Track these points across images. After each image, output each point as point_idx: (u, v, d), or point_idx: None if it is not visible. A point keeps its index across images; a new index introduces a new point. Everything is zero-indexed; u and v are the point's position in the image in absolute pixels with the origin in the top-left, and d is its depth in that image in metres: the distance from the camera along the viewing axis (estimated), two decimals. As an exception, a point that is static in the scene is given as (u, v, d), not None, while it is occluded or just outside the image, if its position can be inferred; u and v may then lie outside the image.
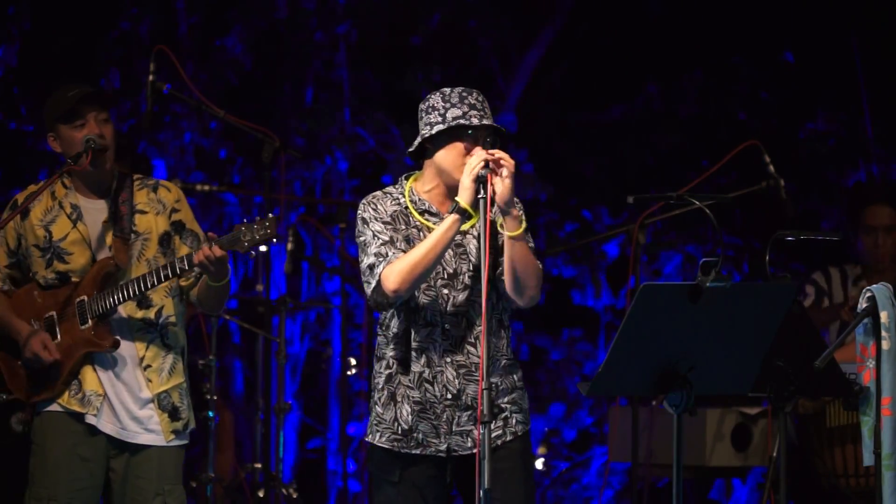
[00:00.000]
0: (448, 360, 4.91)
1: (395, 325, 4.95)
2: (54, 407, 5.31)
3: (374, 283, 4.86)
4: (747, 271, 10.39)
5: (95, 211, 5.36)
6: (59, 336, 5.30)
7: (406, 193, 4.99)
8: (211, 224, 10.26)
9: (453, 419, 4.92)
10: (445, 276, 4.91)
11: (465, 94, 4.90)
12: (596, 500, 10.12)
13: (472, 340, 4.92)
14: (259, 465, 8.05)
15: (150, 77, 7.22)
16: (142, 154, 9.83)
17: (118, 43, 9.90)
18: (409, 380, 4.92)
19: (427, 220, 4.95)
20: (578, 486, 10.37)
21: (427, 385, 4.92)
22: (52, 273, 5.32)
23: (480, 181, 4.78)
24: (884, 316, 4.93)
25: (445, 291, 4.91)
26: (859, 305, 5.01)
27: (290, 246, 8.89)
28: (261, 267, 9.92)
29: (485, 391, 4.60)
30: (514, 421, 4.98)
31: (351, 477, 10.12)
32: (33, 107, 9.51)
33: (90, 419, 5.28)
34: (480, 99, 4.91)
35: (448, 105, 4.88)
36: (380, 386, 4.97)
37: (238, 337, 10.44)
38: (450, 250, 4.90)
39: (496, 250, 4.92)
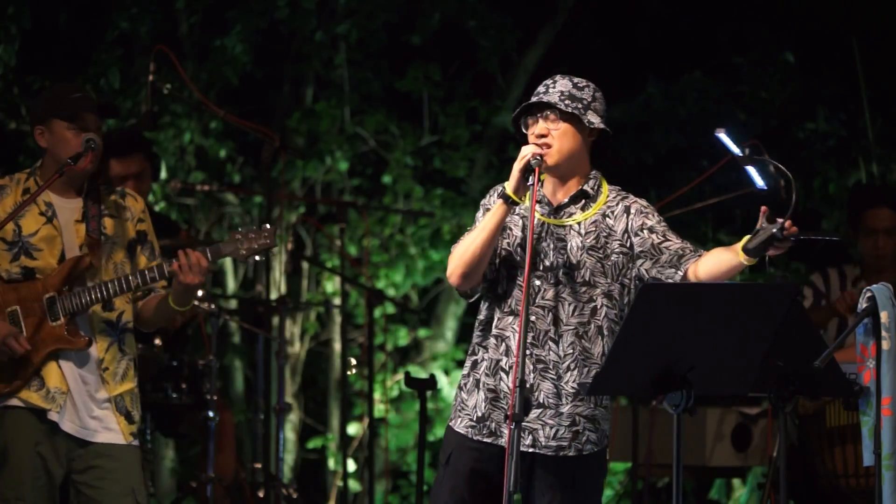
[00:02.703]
0: (528, 352, 4.81)
1: (483, 309, 4.92)
2: (13, 402, 5.26)
3: (450, 269, 4.89)
4: (747, 271, 10.38)
5: (67, 210, 5.35)
6: (24, 331, 5.28)
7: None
8: (211, 224, 10.27)
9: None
10: (541, 268, 4.84)
11: (547, 80, 4.93)
12: (596, 500, 10.11)
13: (556, 337, 4.82)
14: (259, 465, 8.05)
15: (150, 77, 7.22)
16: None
17: (118, 43, 9.91)
18: (487, 367, 4.86)
19: (537, 209, 4.90)
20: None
21: (502, 374, 4.84)
22: (18, 268, 5.30)
23: (528, 171, 4.76)
24: (884, 316, 4.93)
25: (537, 283, 4.83)
26: (859, 305, 5.00)
27: (290, 246, 8.89)
28: (261, 267, 9.93)
29: (518, 388, 4.51)
30: (584, 438, 4.87)
31: (351, 477, 10.12)
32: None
33: (53, 416, 5.25)
34: (549, 82, 4.90)
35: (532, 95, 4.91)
36: (466, 371, 4.93)
37: (238, 337, 10.44)
38: (550, 242, 4.86)
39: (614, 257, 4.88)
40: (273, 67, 10.44)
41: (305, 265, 10.38)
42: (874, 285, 4.99)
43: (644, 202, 4.95)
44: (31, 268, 5.29)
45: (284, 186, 9.91)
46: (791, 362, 4.89)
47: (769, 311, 4.64)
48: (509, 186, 4.78)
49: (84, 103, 5.31)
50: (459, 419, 4.91)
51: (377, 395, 9.90)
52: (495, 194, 4.92)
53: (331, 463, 10.50)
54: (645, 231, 4.88)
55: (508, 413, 4.61)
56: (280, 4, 10.03)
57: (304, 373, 10.60)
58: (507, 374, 4.82)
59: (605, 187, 4.98)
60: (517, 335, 4.79)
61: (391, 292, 10.34)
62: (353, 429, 10.25)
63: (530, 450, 4.82)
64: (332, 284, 10.39)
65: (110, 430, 5.30)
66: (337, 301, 10.12)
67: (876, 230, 7.31)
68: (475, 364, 4.92)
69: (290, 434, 10.27)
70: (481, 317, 4.93)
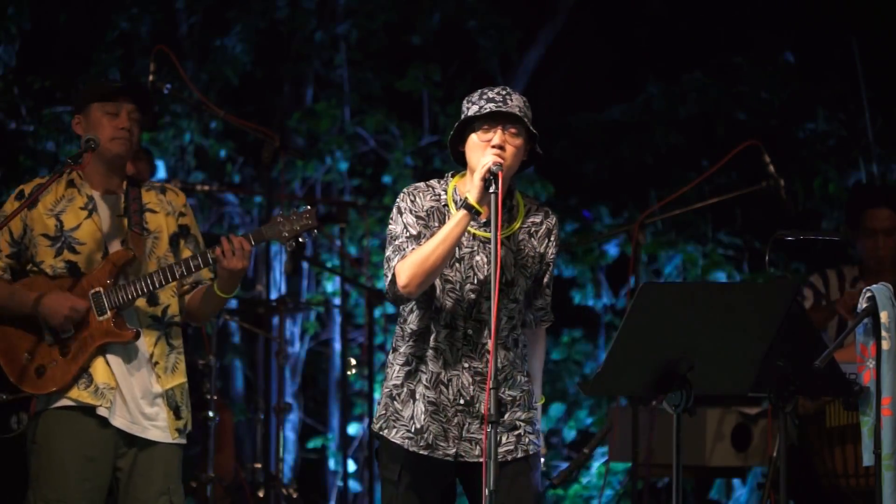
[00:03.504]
0: (466, 365, 4.88)
1: (413, 320, 4.92)
2: (62, 402, 5.27)
3: (389, 276, 4.86)
4: (747, 271, 10.40)
5: (108, 205, 5.37)
6: (71, 328, 5.28)
7: (449, 191, 4.95)
8: (211, 224, 10.27)
9: (464, 425, 4.89)
10: (475, 282, 4.87)
11: (486, 91, 4.88)
12: (596, 500, 10.13)
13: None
14: (259, 465, 8.05)
15: (150, 77, 7.23)
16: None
17: (118, 43, 9.91)
18: (427, 379, 4.89)
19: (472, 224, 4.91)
20: (578, 486, 10.38)
21: (442, 387, 4.89)
22: (62, 262, 5.30)
23: (492, 177, 4.76)
24: (884, 316, 4.93)
25: (472, 297, 4.86)
26: (859, 305, 5.01)
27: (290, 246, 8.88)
28: (261, 267, 9.93)
29: (493, 390, 4.58)
30: (526, 440, 4.94)
31: (351, 477, 10.12)
32: (33, 107, 9.51)
33: (102, 412, 5.25)
34: (503, 93, 4.85)
35: (470, 105, 4.89)
36: (399, 382, 4.93)
37: (238, 337, 10.44)
38: (483, 256, 4.88)
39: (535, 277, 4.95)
40: (273, 67, 10.44)
41: (305, 265, 10.38)
42: (874, 285, 4.99)
43: (558, 227, 5.06)
44: (75, 262, 5.29)
45: (284, 186, 9.91)
46: (791, 362, 4.90)
47: (769, 310, 4.64)
48: (472, 196, 4.75)
49: (118, 87, 5.32)
50: (395, 429, 4.92)
51: (377, 395, 9.90)
52: (418, 199, 4.90)
53: (331, 463, 10.50)
54: (549, 265, 5.01)
55: (484, 414, 4.65)
56: (280, 4, 10.04)
57: (304, 373, 10.60)
58: (447, 386, 4.88)
59: (520, 197, 5.01)
60: (455, 348, 4.86)
61: (391, 292, 10.33)
62: (353, 429, 10.25)
63: (480, 459, 4.86)
64: (332, 284, 10.39)
65: (159, 427, 5.31)
66: (337, 301, 10.12)
67: (875, 231, 7.31)
68: (410, 374, 4.92)
69: (290, 434, 10.27)
70: (413, 327, 4.92)
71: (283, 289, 9.63)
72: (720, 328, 4.60)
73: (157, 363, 5.31)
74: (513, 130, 4.84)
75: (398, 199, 4.93)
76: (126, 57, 9.93)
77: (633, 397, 7.70)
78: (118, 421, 5.26)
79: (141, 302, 5.31)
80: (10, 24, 9.30)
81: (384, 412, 4.95)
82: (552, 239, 5.00)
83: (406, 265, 4.79)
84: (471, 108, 4.84)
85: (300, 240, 5.29)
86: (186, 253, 5.41)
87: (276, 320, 8.08)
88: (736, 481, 9.60)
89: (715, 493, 9.69)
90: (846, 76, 10.01)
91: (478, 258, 4.88)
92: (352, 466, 10.24)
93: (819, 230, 9.78)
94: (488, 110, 4.81)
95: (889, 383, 4.92)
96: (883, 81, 9.92)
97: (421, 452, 4.89)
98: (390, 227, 4.93)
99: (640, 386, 4.72)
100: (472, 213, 4.76)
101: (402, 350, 4.94)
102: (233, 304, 9.77)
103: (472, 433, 4.89)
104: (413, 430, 4.90)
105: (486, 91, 4.87)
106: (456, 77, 10.72)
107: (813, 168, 10.17)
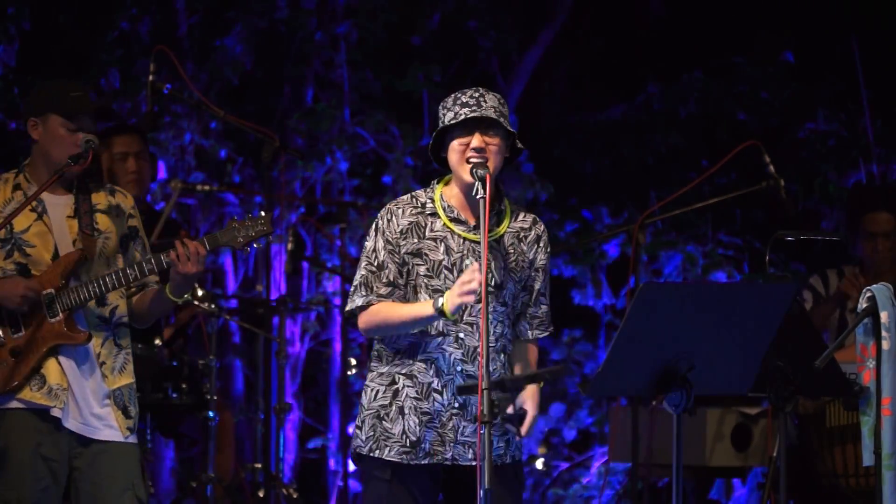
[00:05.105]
0: (458, 369, 4.89)
1: (402, 337, 4.94)
2: (14, 404, 5.27)
3: (352, 304, 4.93)
4: (747, 271, 10.40)
5: (57, 206, 5.36)
6: (22, 329, 5.28)
7: (437, 199, 4.96)
8: (211, 224, 10.26)
9: (458, 429, 4.90)
10: None
11: (459, 95, 4.89)
12: (596, 500, 10.13)
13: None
14: (259, 465, 8.05)
15: (150, 77, 7.23)
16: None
17: (118, 43, 9.90)
18: (417, 391, 4.90)
19: (455, 227, 4.93)
20: (578, 486, 10.37)
21: (436, 394, 4.89)
22: (12, 264, 5.30)
23: (478, 182, 4.78)
24: (884, 316, 4.93)
25: None
26: (859, 305, 5.01)
27: (290, 246, 8.89)
28: (261, 267, 9.93)
29: (485, 391, 4.58)
30: (514, 445, 4.98)
31: (351, 477, 10.12)
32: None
33: (56, 413, 5.25)
34: (476, 95, 4.87)
35: (445, 111, 4.89)
36: (387, 402, 4.93)
37: (238, 337, 10.44)
38: (473, 259, 4.87)
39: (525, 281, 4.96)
40: (273, 67, 10.44)
41: (305, 265, 10.38)
42: (874, 285, 5.00)
43: (547, 235, 5.05)
44: (25, 264, 5.29)
45: (284, 186, 9.91)
46: (791, 362, 4.90)
47: (769, 310, 4.64)
48: (448, 306, 4.76)
49: (83, 104, 5.31)
50: (387, 448, 4.92)
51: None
52: (395, 218, 4.92)
53: (331, 463, 10.50)
54: (540, 273, 5.01)
55: (477, 416, 4.63)
56: (280, 4, 10.03)
57: (304, 373, 10.59)
58: (441, 393, 4.89)
59: (507, 201, 5.02)
60: (447, 354, 4.86)
61: (391, 292, 10.32)
62: (353, 429, 10.24)
63: (473, 463, 4.87)
64: (332, 284, 10.39)
65: (111, 427, 5.31)
66: (337, 301, 10.12)
67: (875, 234, 7.32)
68: (397, 392, 4.92)
69: (290, 434, 10.27)
70: (402, 344, 4.93)
71: (283, 289, 9.62)
72: (720, 328, 4.60)
73: (104, 363, 5.31)
74: (491, 132, 4.86)
75: (379, 214, 4.98)
76: (126, 57, 9.92)
77: (633, 397, 7.70)
78: (71, 423, 5.27)
79: (91, 302, 5.31)
80: (10, 24, 9.29)
81: (372, 433, 4.95)
82: (541, 245, 5.01)
83: (368, 317, 4.89)
84: (447, 115, 4.87)
85: (255, 245, 5.28)
86: (136, 254, 5.41)
87: (276, 320, 8.07)
88: (736, 481, 9.60)
89: (715, 493, 9.69)
90: (846, 76, 10.01)
91: (468, 262, 4.89)
92: (352, 466, 10.23)
93: (819, 230, 9.78)
94: (464, 116, 4.83)
95: (889, 383, 4.92)
96: (883, 81, 9.92)
97: (422, 462, 4.90)
98: (366, 240, 4.97)
99: (640, 386, 4.73)
100: (441, 317, 4.78)
101: (385, 371, 4.95)
102: (233, 304, 9.77)
103: (467, 436, 4.90)
104: (408, 443, 4.90)
105: (459, 95, 4.88)
106: (456, 77, 10.71)
107: (813, 168, 10.17)
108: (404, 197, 5.01)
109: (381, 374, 4.96)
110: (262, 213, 5.24)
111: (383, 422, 4.93)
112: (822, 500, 7.05)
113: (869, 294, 4.98)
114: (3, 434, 5.28)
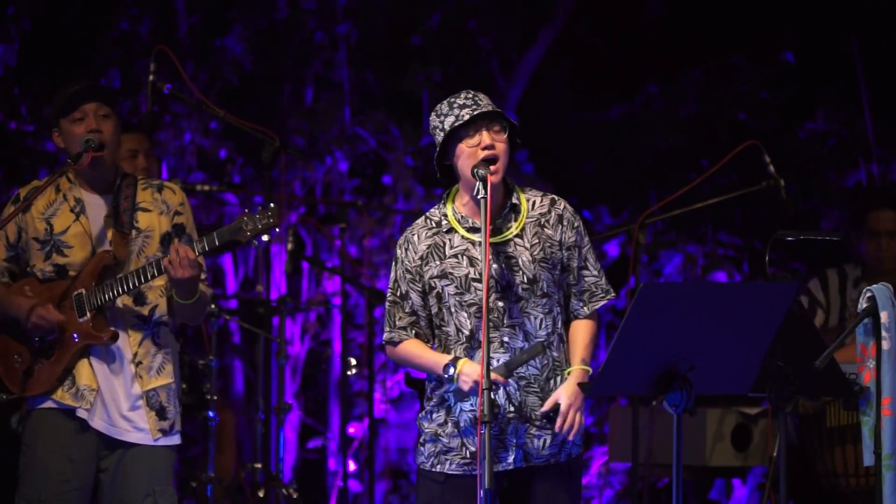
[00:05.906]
0: None
1: (447, 347, 4.95)
2: (47, 404, 5.29)
3: (385, 336, 5.07)
4: (747, 271, 10.40)
5: (98, 206, 5.37)
6: (55, 330, 5.29)
7: (449, 213, 4.96)
8: (211, 225, 10.27)
9: (516, 431, 4.90)
10: (499, 290, 4.87)
11: (453, 100, 4.89)
12: (596, 500, 10.13)
13: None
14: (259, 465, 8.05)
15: (150, 77, 7.23)
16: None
17: (118, 43, 9.91)
18: (471, 403, 4.88)
19: (473, 236, 4.92)
20: (578, 486, 10.36)
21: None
22: (51, 266, 5.31)
23: (480, 182, 4.78)
24: (884, 316, 4.93)
25: (501, 304, 4.87)
26: (859, 305, 5.01)
27: (290, 246, 8.89)
28: (261, 267, 9.93)
29: (485, 391, 4.60)
30: (570, 444, 4.95)
31: (351, 477, 10.12)
32: (33, 107, 9.52)
33: (82, 413, 5.25)
34: (470, 96, 4.87)
35: (443, 117, 4.88)
36: (442, 420, 4.94)
37: (238, 337, 10.44)
38: (502, 262, 4.87)
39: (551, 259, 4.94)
40: (273, 67, 10.44)
41: (305, 265, 10.38)
42: (874, 285, 5.00)
43: (571, 210, 5.02)
44: (63, 265, 5.30)
45: (284, 186, 9.91)
46: (791, 362, 4.90)
47: (769, 310, 4.64)
48: (463, 385, 4.83)
49: (81, 93, 5.32)
50: (448, 461, 4.93)
51: (377, 395, 9.91)
52: (412, 244, 4.94)
53: (331, 463, 10.50)
54: (574, 249, 4.98)
55: (478, 416, 4.66)
56: (280, 4, 10.03)
57: (304, 373, 10.60)
58: (496, 398, 4.87)
59: (520, 192, 5.00)
60: (494, 359, 4.86)
61: (391, 292, 10.33)
62: (353, 429, 10.25)
63: (523, 464, 4.88)
64: (332, 284, 10.39)
65: (139, 429, 5.30)
66: (337, 301, 10.12)
67: (879, 232, 7.31)
68: (450, 410, 4.94)
69: (290, 434, 10.27)
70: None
71: (283, 289, 9.63)
72: (720, 328, 4.60)
73: (140, 363, 5.31)
74: (496, 128, 4.87)
75: (398, 243, 5.00)
76: (126, 57, 9.93)
77: (633, 397, 7.70)
78: (97, 423, 5.27)
79: (128, 301, 5.30)
80: (10, 24, 9.29)
81: (433, 449, 4.95)
82: (565, 224, 4.97)
83: (393, 354, 5.05)
84: (446, 120, 4.86)
85: (263, 238, 5.25)
86: None
87: (276, 320, 8.08)
88: (736, 481, 9.60)
89: (715, 493, 9.69)
90: (846, 76, 10.01)
91: (495, 265, 4.88)
92: (352, 466, 10.24)
93: (819, 230, 9.78)
94: (468, 116, 4.82)
95: (889, 383, 4.92)
96: (883, 81, 9.92)
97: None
98: (391, 270, 5.02)
99: (640, 386, 4.73)
100: (450, 377, 4.84)
101: (441, 396, 4.96)
102: (233, 304, 9.78)
103: (526, 437, 4.90)
104: (469, 455, 4.90)
105: (454, 100, 4.89)
106: (456, 77, 10.71)
107: (813, 168, 10.17)
108: (419, 220, 5.00)
109: (431, 401, 4.99)
110: (272, 205, 5.22)
111: (441, 439, 4.95)
112: (822, 500, 7.05)
113: (869, 294, 4.98)
114: (30, 433, 5.30)
